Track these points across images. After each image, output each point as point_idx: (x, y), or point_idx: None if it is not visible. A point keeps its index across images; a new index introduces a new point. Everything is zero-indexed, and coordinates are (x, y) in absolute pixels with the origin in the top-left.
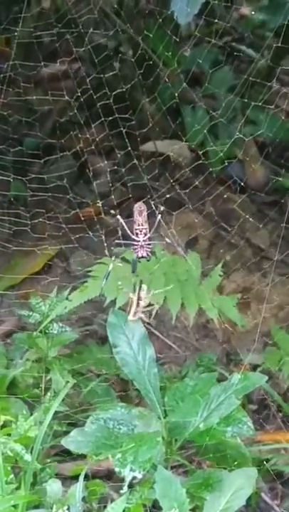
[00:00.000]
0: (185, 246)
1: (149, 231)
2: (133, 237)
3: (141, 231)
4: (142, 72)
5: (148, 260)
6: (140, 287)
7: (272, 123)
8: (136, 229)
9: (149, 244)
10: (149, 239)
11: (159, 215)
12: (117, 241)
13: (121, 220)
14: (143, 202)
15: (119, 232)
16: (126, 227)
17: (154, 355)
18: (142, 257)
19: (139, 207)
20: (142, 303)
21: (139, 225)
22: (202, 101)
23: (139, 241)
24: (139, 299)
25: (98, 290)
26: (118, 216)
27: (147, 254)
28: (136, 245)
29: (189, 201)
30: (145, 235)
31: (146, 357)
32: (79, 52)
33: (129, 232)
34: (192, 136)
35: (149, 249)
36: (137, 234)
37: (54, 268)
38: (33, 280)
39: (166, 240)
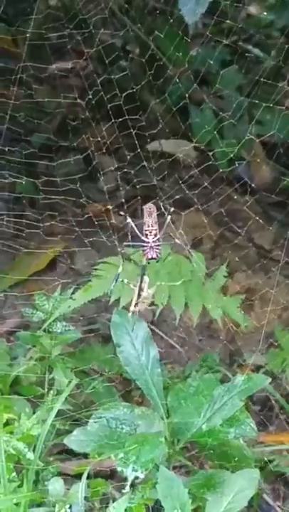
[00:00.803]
0: (190, 246)
1: (159, 232)
2: (143, 238)
3: (151, 232)
4: (150, 71)
5: (158, 261)
6: (142, 279)
7: (280, 124)
8: (146, 230)
9: (158, 245)
10: (158, 240)
11: (169, 216)
12: (125, 243)
13: (130, 222)
14: (152, 202)
15: (129, 233)
16: (135, 228)
17: (158, 356)
18: (152, 258)
19: (148, 208)
20: (144, 293)
21: (149, 226)
22: (209, 101)
23: (148, 242)
24: (140, 290)
25: (103, 289)
26: (128, 217)
27: (157, 256)
28: (146, 246)
29: (194, 201)
30: (155, 236)
31: (149, 357)
32: (87, 51)
33: (138, 233)
34: (199, 135)
35: (158, 251)
36: (146, 235)
37: (59, 266)
38: (38, 279)
39: (176, 240)
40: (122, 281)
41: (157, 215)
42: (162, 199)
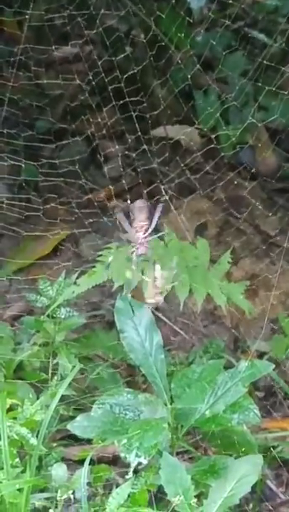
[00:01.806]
0: (194, 232)
1: (150, 227)
2: (133, 233)
3: (142, 227)
4: (154, 55)
5: (146, 260)
6: (154, 268)
7: (285, 109)
8: (136, 226)
9: (148, 241)
10: (150, 235)
11: (159, 208)
12: (118, 238)
13: (121, 217)
14: (154, 187)
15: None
16: (126, 223)
17: (161, 342)
18: (142, 254)
19: (138, 204)
20: (158, 283)
21: (139, 222)
22: (214, 85)
23: (139, 238)
24: (154, 280)
25: (107, 275)
26: (119, 214)
27: (147, 252)
28: (136, 242)
29: (199, 187)
30: (145, 231)
31: (153, 343)
32: (90, 35)
33: (129, 228)
34: (203, 120)
35: (148, 246)
36: (137, 231)
37: (64, 252)
38: (42, 264)
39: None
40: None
41: (161, 201)
42: (165, 185)
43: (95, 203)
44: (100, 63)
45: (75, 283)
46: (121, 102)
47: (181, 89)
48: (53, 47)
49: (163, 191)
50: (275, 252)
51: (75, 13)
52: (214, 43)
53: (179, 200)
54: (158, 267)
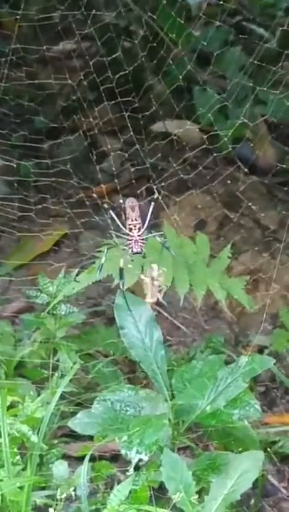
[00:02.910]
0: (194, 227)
1: (144, 225)
2: (127, 232)
3: (135, 226)
4: (152, 51)
5: (144, 257)
6: (152, 268)
7: (283, 103)
8: (129, 224)
9: (142, 239)
10: (145, 233)
11: (152, 204)
12: (112, 235)
13: (114, 216)
14: (149, 185)
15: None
16: (119, 222)
17: (162, 338)
18: (137, 252)
19: (131, 202)
20: (156, 283)
21: (132, 221)
22: (212, 81)
23: (133, 236)
24: (152, 279)
25: (106, 271)
26: (111, 212)
27: (141, 250)
28: (130, 241)
29: (199, 182)
30: (139, 229)
31: (153, 339)
32: (88, 31)
33: (122, 227)
34: (202, 116)
35: (143, 245)
36: (130, 229)
37: (63, 248)
38: (42, 260)
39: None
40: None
41: (155, 200)
42: (162, 181)
43: (88, 200)
44: (97, 59)
45: (74, 279)
46: (119, 97)
47: (179, 84)
48: (50, 44)
49: (156, 191)
50: (275, 246)
51: (72, 10)
52: (211, 41)
53: (177, 196)
54: (156, 266)
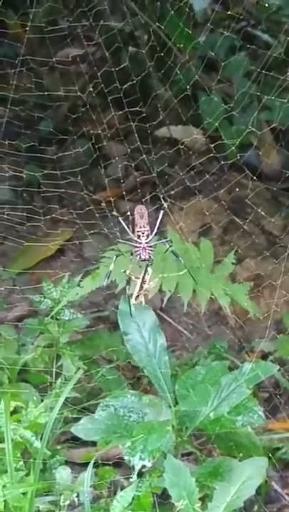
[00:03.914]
0: (198, 233)
1: (151, 232)
2: (135, 239)
3: (143, 233)
4: (158, 57)
5: (151, 264)
6: (145, 271)
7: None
8: (137, 231)
9: (150, 246)
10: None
11: (162, 212)
12: (119, 243)
13: (122, 223)
14: (157, 189)
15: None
16: (128, 229)
17: (165, 344)
18: (145, 259)
19: (139, 209)
20: (145, 286)
21: (140, 228)
22: (218, 87)
23: (141, 243)
24: (142, 282)
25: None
26: (120, 219)
27: (149, 257)
28: (138, 247)
29: (204, 188)
30: (147, 237)
31: (157, 345)
32: (94, 37)
33: (131, 234)
34: (207, 122)
35: (151, 252)
36: (138, 236)
37: (67, 253)
38: (46, 265)
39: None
40: (124, 271)
41: (163, 208)
42: (167, 187)
43: (94, 206)
44: (104, 65)
45: (78, 285)
46: (124, 103)
47: (185, 90)
48: (56, 49)
49: (162, 200)
50: (280, 252)
51: (79, 15)
52: (217, 47)
53: (183, 201)
54: (150, 270)
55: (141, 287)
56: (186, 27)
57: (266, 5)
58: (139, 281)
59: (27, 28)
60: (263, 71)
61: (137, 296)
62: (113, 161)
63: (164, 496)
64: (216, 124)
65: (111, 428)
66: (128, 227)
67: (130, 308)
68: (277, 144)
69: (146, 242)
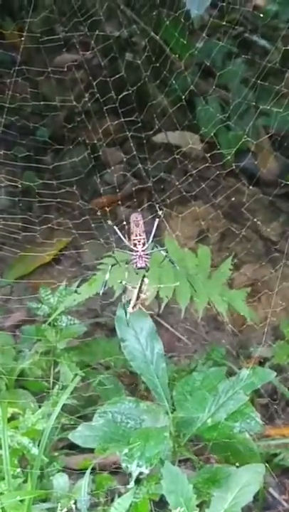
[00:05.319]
0: (196, 239)
1: (148, 240)
2: (131, 247)
3: (139, 241)
4: (155, 63)
5: (147, 271)
6: (142, 280)
7: (286, 115)
8: (133, 240)
9: (147, 254)
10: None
11: (155, 223)
12: (116, 251)
13: (118, 232)
14: (150, 197)
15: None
16: (123, 237)
17: (163, 350)
18: (141, 267)
19: (135, 218)
20: (143, 295)
21: (136, 236)
22: (215, 93)
23: (137, 251)
24: (139, 291)
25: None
26: (115, 228)
27: (146, 265)
28: (134, 256)
29: (202, 194)
30: (143, 245)
31: (154, 352)
32: (91, 43)
33: (126, 242)
34: (204, 127)
35: (147, 260)
36: (135, 244)
37: (65, 259)
38: (44, 271)
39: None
40: (120, 282)
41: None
42: (166, 192)
43: (90, 213)
44: (100, 71)
45: (76, 291)
46: (121, 109)
47: (183, 97)
48: (52, 55)
49: (158, 209)
50: (278, 258)
51: (76, 23)
52: (214, 53)
53: (179, 207)
54: (146, 280)
55: (138, 297)
56: (183, 34)
57: (261, 15)
58: (136, 291)
59: (22, 38)
60: (260, 78)
61: (134, 305)
62: (109, 171)
63: (161, 503)
64: (214, 130)
65: (108, 435)
66: (124, 236)
67: (126, 316)
68: (274, 150)
69: (142, 250)
